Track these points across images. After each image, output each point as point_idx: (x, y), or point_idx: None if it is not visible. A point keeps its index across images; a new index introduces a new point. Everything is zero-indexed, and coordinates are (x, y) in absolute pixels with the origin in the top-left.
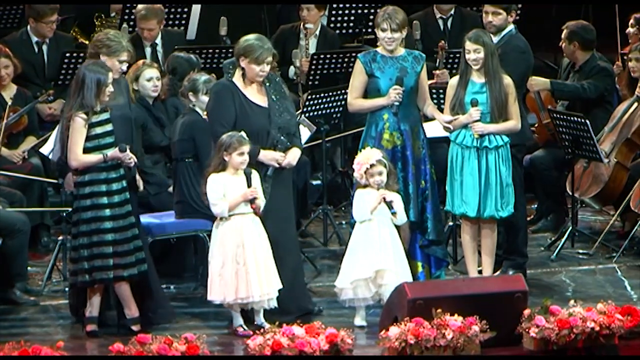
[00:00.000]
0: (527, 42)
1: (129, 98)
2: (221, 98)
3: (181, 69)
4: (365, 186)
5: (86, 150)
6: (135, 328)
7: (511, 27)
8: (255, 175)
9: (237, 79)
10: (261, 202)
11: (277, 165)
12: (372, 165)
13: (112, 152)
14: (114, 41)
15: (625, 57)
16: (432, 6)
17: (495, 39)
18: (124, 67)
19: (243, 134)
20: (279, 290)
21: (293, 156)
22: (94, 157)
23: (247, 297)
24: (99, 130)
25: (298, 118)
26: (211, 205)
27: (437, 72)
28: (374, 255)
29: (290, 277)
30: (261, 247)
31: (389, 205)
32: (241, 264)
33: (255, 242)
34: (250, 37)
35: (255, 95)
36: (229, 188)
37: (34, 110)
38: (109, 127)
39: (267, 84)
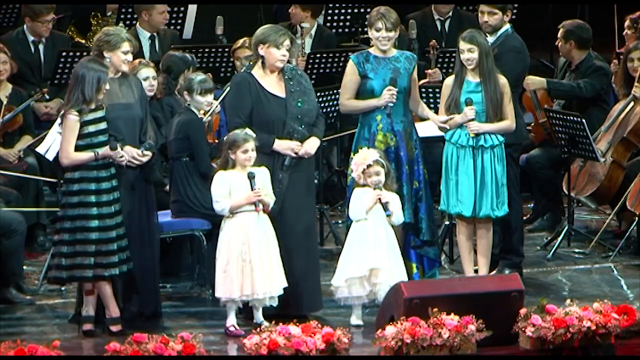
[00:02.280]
0: (523, 41)
1: (141, 96)
2: (238, 89)
3: (176, 68)
4: (363, 185)
5: (78, 148)
6: (114, 329)
7: (507, 26)
8: (260, 176)
9: (256, 70)
10: (270, 200)
11: (293, 155)
12: (369, 166)
13: (103, 150)
14: (111, 35)
15: (621, 57)
16: (430, 7)
17: (491, 39)
18: (129, 57)
19: (248, 130)
20: (288, 285)
21: (311, 145)
22: (85, 155)
23: (251, 294)
24: (92, 128)
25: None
26: (214, 202)
27: (430, 71)
28: (369, 254)
29: (302, 271)
30: (267, 244)
31: (385, 206)
32: (247, 261)
33: (261, 239)
34: (266, 26)
35: (273, 86)
36: (235, 186)
37: (30, 109)
38: (102, 126)
39: (289, 78)
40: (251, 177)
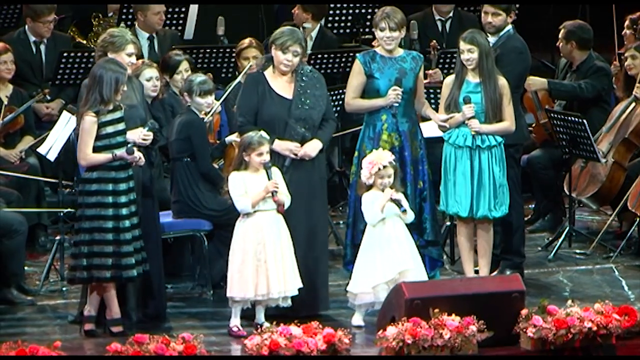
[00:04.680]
0: (524, 42)
1: (142, 98)
2: (246, 88)
3: (172, 62)
4: (369, 188)
5: (97, 149)
6: (115, 330)
7: (509, 27)
8: (276, 171)
9: (269, 70)
10: (286, 199)
11: (292, 156)
12: (384, 167)
13: (121, 152)
14: (116, 36)
15: (622, 57)
16: (431, 7)
17: (493, 39)
18: (133, 59)
19: (263, 133)
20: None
21: (311, 147)
22: (103, 157)
23: (266, 294)
24: (110, 129)
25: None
26: (235, 202)
27: (430, 71)
28: (395, 256)
29: (303, 272)
30: (281, 245)
31: (398, 203)
32: (262, 261)
33: (276, 239)
34: (284, 28)
35: (282, 87)
36: (249, 186)
37: (31, 110)
38: (120, 127)
39: (301, 80)
40: (267, 167)
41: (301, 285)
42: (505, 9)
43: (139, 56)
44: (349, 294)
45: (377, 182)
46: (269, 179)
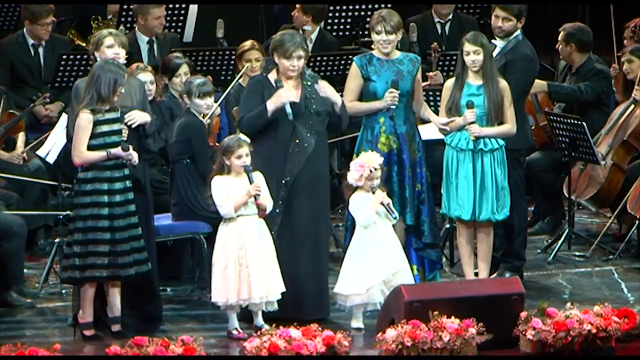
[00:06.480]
0: (533, 48)
1: (143, 99)
2: (250, 92)
3: (172, 65)
4: (355, 189)
5: (92, 148)
6: (114, 328)
7: (517, 32)
8: (258, 174)
9: (272, 74)
10: (268, 203)
11: (293, 100)
12: (375, 169)
13: (115, 150)
14: (96, 35)
15: (620, 61)
16: (431, 10)
17: (501, 44)
18: (116, 51)
19: (242, 135)
20: (293, 289)
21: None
22: (97, 154)
23: (248, 299)
24: (105, 128)
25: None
26: (217, 206)
27: (431, 74)
28: (389, 258)
29: (307, 275)
30: (263, 249)
31: (389, 209)
32: (244, 266)
33: (258, 244)
34: (284, 32)
35: (289, 90)
36: (231, 190)
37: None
38: (116, 127)
39: (307, 83)
40: (248, 170)
41: (284, 290)
42: (517, 14)
43: (137, 59)
44: (338, 295)
45: (366, 185)
46: (250, 183)
